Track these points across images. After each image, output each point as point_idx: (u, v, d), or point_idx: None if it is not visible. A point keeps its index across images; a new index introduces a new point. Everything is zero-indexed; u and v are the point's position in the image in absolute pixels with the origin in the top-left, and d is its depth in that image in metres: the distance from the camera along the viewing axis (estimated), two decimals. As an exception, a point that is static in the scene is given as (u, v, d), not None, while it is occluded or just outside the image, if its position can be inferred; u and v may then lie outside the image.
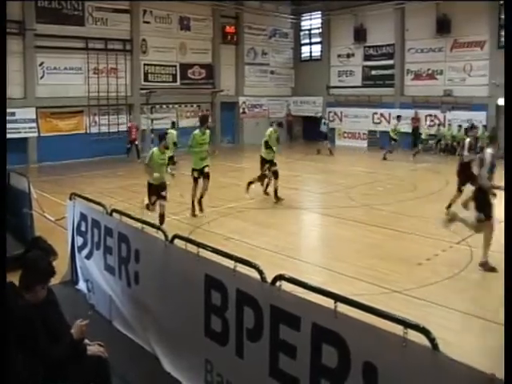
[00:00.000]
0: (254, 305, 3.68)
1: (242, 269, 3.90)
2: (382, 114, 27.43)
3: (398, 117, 23.44)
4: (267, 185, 13.45)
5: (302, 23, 31.94)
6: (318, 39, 31.12)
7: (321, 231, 11.16)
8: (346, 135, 29.26)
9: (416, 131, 25.38)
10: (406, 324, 2.74)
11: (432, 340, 2.63)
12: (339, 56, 29.96)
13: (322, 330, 3.13)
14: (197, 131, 11.43)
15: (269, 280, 3.63)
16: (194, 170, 11.38)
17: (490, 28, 24.20)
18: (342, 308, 3.09)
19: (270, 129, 13.45)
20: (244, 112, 29.24)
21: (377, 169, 19.34)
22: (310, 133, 29.54)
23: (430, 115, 25.64)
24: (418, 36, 26.23)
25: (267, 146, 12.99)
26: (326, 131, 24.51)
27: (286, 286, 3.54)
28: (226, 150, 24.98)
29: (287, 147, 26.07)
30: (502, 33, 24.06)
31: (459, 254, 8.57)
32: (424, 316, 5.34)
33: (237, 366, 3.89)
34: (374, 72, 28.53)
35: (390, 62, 27.64)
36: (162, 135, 10.38)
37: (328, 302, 3.15)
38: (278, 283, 3.56)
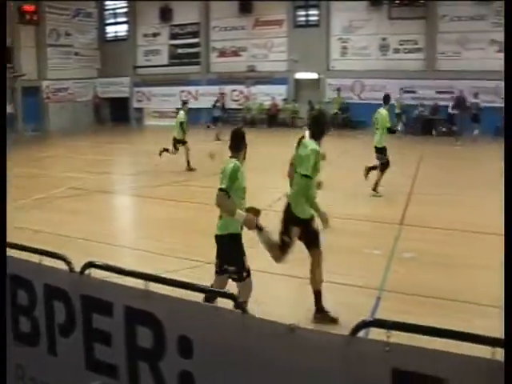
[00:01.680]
0: (65, 298, 3.47)
1: (52, 262, 3.65)
2: (189, 92, 27.73)
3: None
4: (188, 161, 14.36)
5: (107, 2, 30.63)
6: (124, 19, 30.17)
7: (133, 213, 11.05)
8: (154, 115, 29.04)
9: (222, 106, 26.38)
10: (216, 293, 2.82)
11: (239, 304, 2.74)
12: (145, 35, 29.48)
13: (134, 312, 3.07)
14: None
15: (78, 269, 3.45)
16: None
17: (287, 8, 25.82)
18: (155, 287, 3.07)
19: (182, 112, 14.78)
20: (48, 97, 27.30)
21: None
22: (118, 115, 28.83)
23: (235, 90, 26.72)
24: (222, 15, 26.96)
25: (182, 127, 14.46)
26: (219, 114, 23.09)
27: (99, 274, 3.40)
28: (30, 139, 23.20)
29: (96, 131, 25.13)
30: (298, 12, 25.92)
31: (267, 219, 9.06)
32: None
33: (51, 365, 3.66)
34: (180, 50, 28.67)
35: (196, 40, 28.00)
36: None
37: (142, 284, 3.10)
38: (87, 271, 3.40)
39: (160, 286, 3.07)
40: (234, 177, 4.59)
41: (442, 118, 22.51)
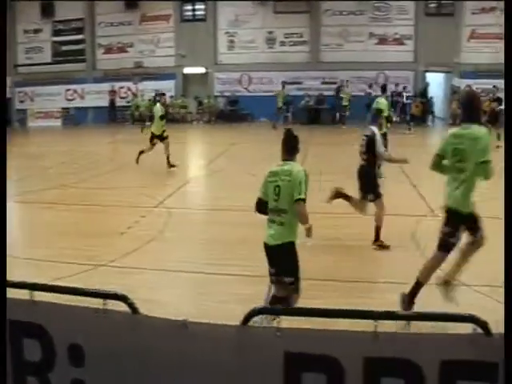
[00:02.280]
0: None
1: None
2: (75, 90, 26.65)
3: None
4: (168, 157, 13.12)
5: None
6: (0, 14, 28.20)
7: (20, 220, 10.42)
8: (39, 115, 27.57)
9: (113, 104, 25.62)
10: (104, 295, 2.74)
11: (130, 304, 2.68)
12: (26, 32, 27.76)
13: (20, 325, 2.91)
14: None
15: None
16: None
17: (174, 3, 25.53)
18: (43, 296, 2.92)
19: (158, 105, 13.59)
20: None
21: (72, 146, 18.99)
22: (-2, 115, 27.05)
23: (123, 87, 26.06)
24: (108, 10, 26.10)
25: (162, 120, 13.13)
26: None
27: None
28: None
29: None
30: (185, 7, 25.74)
31: (158, 216, 9.02)
32: (132, 283, 5.53)
33: None
34: (64, 47, 27.37)
35: (81, 36, 26.89)
36: None
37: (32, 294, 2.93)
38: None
39: (48, 294, 2.94)
40: (307, 183, 4.44)
41: (327, 107, 23.50)
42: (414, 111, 22.33)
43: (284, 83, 22.76)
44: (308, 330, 2.56)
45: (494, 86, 17.46)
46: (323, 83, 23.94)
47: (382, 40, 23.79)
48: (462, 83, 21.88)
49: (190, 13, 25.87)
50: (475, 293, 5.52)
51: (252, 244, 6.93)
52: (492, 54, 23.24)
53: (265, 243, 4.55)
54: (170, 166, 13.11)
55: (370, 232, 7.28)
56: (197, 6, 25.71)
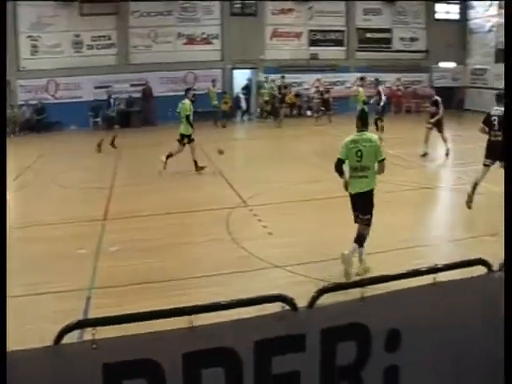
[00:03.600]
0: None
1: None
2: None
3: None
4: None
5: None
6: None
7: None
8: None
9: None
10: None
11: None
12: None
13: None
14: None
15: None
16: None
17: None
18: None
19: (187, 101, 12.59)
20: None
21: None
22: None
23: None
24: None
25: (188, 120, 12.40)
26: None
27: None
28: None
29: None
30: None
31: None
32: None
33: None
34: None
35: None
36: None
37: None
38: None
39: None
40: None
41: (137, 110, 23.20)
42: (224, 107, 23.25)
43: (214, 81, 22.41)
44: (124, 336, 2.49)
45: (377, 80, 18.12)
46: (132, 85, 23.59)
47: (190, 40, 24.18)
48: (267, 78, 23.67)
49: None
50: (285, 272, 5.91)
51: (53, 258, 6.60)
52: (291, 50, 25.18)
53: (352, 193, 6.31)
54: (200, 168, 12.51)
55: (177, 231, 7.36)
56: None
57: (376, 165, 6.19)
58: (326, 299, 2.61)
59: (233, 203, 9.28)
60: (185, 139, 12.48)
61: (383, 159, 6.19)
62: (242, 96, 25.01)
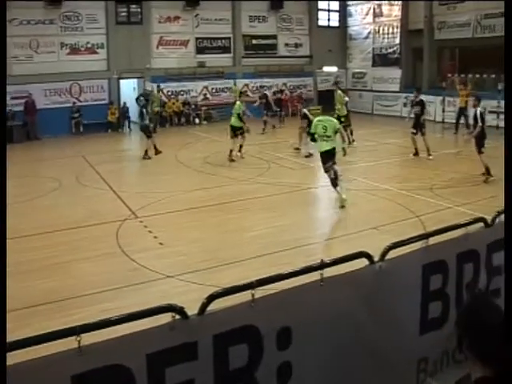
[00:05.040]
0: None
1: None
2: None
3: None
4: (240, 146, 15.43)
5: None
6: None
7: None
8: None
9: None
10: None
11: None
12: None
13: None
14: None
15: None
16: None
17: None
18: None
19: (238, 103, 15.76)
20: None
21: None
22: None
23: None
24: None
25: (239, 117, 15.31)
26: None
27: None
28: None
29: None
30: None
31: None
32: None
33: None
34: None
35: None
36: None
37: None
38: None
39: None
40: None
41: (20, 124, 21.84)
42: (111, 118, 22.67)
43: (158, 86, 22.84)
44: (10, 366, 2.34)
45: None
46: (13, 98, 22.13)
47: (74, 50, 23.23)
48: (154, 87, 23.38)
49: None
50: (178, 281, 5.89)
51: None
52: (179, 58, 25.06)
53: (321, 151, 10.18)
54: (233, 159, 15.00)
55: (67, 248, 7.12)
56: None
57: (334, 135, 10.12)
58: (221, 303, 2.63)
59: (122, 216, 9.08)
60: (237, 132, 15.26)
61: (339, 129, 10.32)
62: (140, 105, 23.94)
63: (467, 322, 2.18)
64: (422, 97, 15.94)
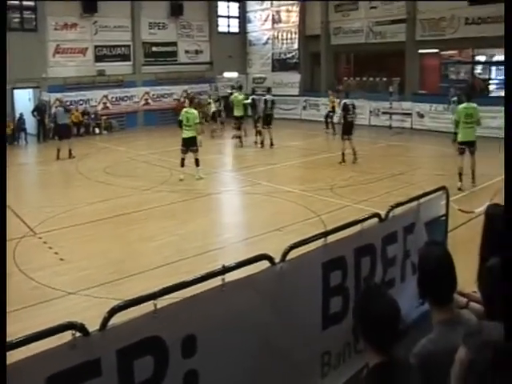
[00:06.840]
0: None
1: None
2: None
3: None
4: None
5: None
6: None
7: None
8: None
9: None
10: None
11: None
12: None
13: None
14: None
15: None
16: None
17: None
18: None
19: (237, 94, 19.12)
20: None
21: None
22: None
23: None
24: None
25: (245, 107, 19.07)
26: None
27: None
28: None
29: None
30: None
31: None
32: None
33: None
34: None
35: None
36: None
37: None
38: None
39: None
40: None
41: None
42: (7, 131, 21.46)
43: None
44: None
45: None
46: None
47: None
48: (52, 97, 22.12)
49: None
50: (81, 297, 5.72)
51: None
52: (77, 67, 24.15)
53: (184, 137, 13.21)
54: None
55: None
56: None
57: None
58: (125, 316, 2.58)
59: (20, 233, 8.61)
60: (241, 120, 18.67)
61: (197, 122, 13.21)
62: (35, 117, 22.62)
63: (360, 311, 2.32)
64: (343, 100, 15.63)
